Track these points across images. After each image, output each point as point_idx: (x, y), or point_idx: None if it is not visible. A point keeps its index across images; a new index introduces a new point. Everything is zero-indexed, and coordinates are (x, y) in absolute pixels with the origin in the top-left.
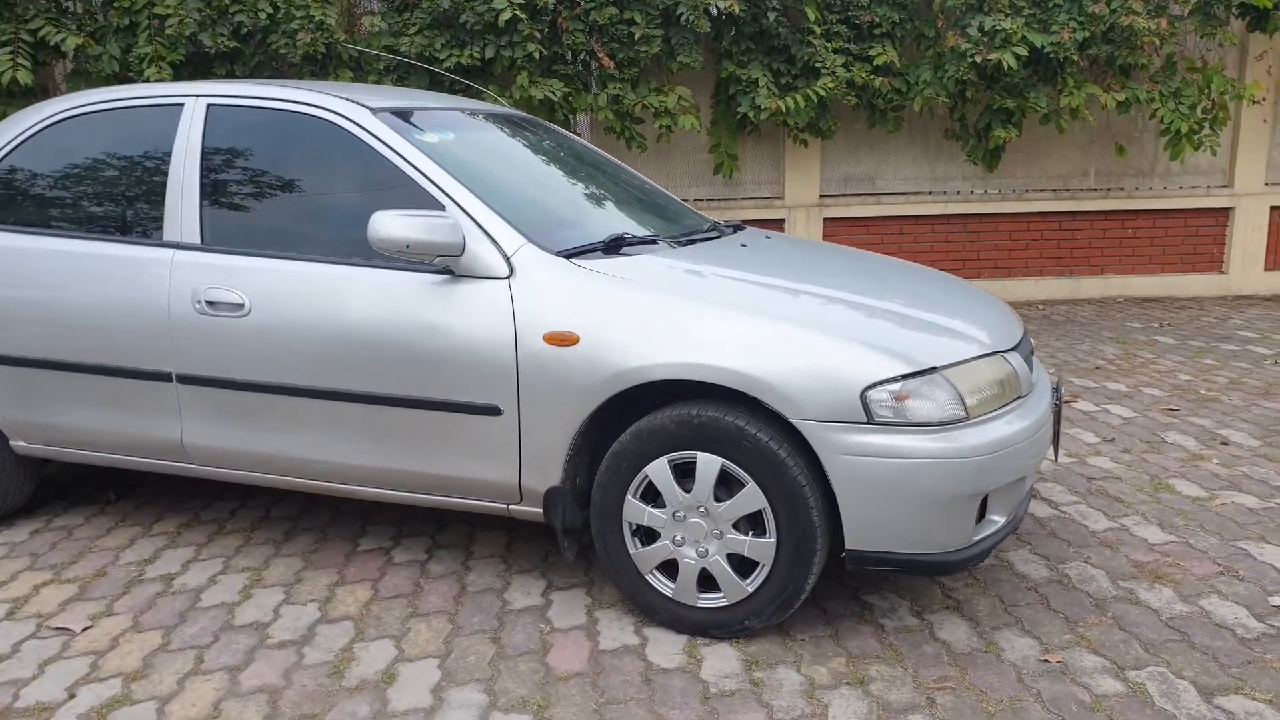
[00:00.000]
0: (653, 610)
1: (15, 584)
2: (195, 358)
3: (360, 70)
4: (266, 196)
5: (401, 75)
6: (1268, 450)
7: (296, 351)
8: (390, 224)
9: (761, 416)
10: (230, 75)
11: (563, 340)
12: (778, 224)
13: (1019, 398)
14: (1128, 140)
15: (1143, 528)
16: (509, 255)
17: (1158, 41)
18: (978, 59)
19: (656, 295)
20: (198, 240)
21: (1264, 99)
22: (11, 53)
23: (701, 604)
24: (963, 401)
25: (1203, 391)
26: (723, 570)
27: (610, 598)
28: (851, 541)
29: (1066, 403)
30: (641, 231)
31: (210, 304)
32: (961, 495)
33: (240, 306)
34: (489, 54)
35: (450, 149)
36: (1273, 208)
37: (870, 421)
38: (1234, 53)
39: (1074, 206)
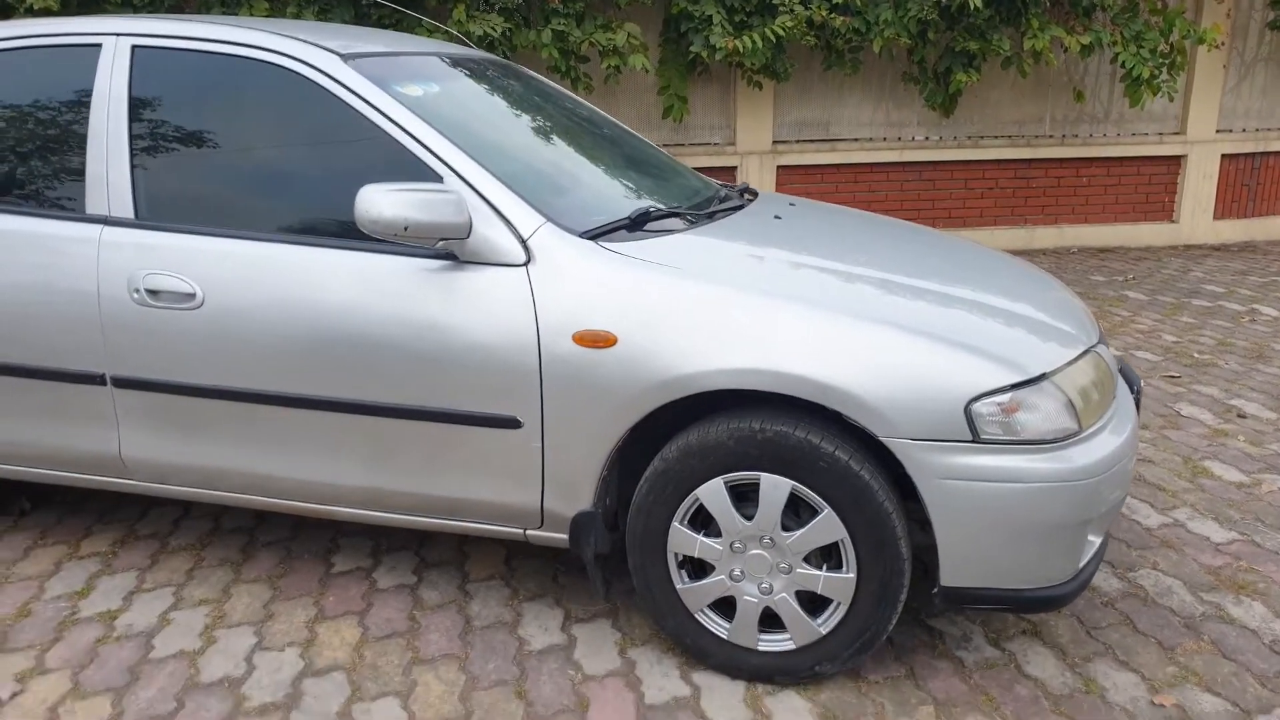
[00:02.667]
0: (704, 654)
1: None
2: (133, 357)
3: (275, 3)
4: (214, 162)
5: (324, 8)
6: None
7: (261, 351)
8: (381, 201)
9: (837, 431)
10: (126, 4)
11: (597, 341)
12: (729, 173)
13: (1114, 400)
14: (1082, 85)
15: (1199, 523)
16: (525, 238)
17: None
18: None
19: (708, 286)
20: (130, 214)
21: (1223, 43)
22: None
23: (763, 647)
24: (1074, 411)
25: (1196, 355)
26: (791, 609)
27: (643, 632)
28: (948, 577)
29: None
30: (660, 204)
31: (152, 293)
32: (1073, 521)
33: (190, 296)
34: None
35: (438, 105)
36: (1223, 156)
37: (975, 440)
38: None
39: (1030, 154)
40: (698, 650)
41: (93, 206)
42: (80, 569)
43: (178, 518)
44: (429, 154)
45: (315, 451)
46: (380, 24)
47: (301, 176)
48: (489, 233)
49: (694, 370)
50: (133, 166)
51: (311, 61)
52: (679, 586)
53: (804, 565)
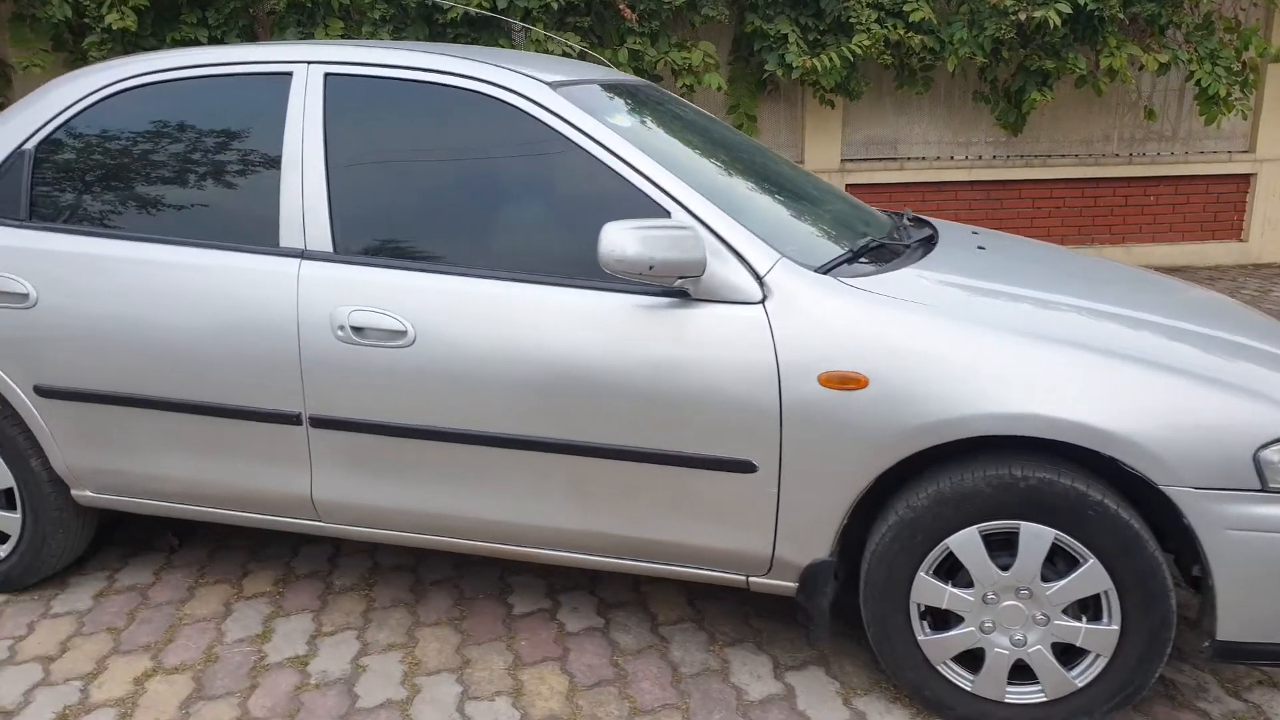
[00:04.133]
0: (943, 706)
1: (107, 676)
2: (335, 396)
3: (350, 20)
4: (416, 195)
5: (399, 26)
6: None
7: (476, 391)
8: (625, 239)
9: (1103, 479)
10: (201, 23)
11: (846, 382)
12: None
13: None
14: (1150, 102)
15: None
16: (762, 274)
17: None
18: (1021, 16)
19: (964, 325)
20: (329, 248)
21: None
22: None
23: (1011, 699)
24: None
25: None
26: (1045, 662)
27: (861, 680)
28: (1225, 631)
29: None
30: (871, 236)
31: (357, 330)
32: None
33: (401, 334)
34: (501, 2)
35: (645, 136)
36: None
37: (1264, 489)
38: (1256, 11)
39: (1097, 173)
40: (936, 702)
41: (288, 240)
42: (251, 610)
43: (331, 555)
44: (654, 188)
45: (529, 494)
46: (457, 39)
47: (513, 209)
48: (723, 269)
49: (958, 415)
50: (330, 199)
51: (520, 90)
52: (920, 638)
53: (1062, 617)
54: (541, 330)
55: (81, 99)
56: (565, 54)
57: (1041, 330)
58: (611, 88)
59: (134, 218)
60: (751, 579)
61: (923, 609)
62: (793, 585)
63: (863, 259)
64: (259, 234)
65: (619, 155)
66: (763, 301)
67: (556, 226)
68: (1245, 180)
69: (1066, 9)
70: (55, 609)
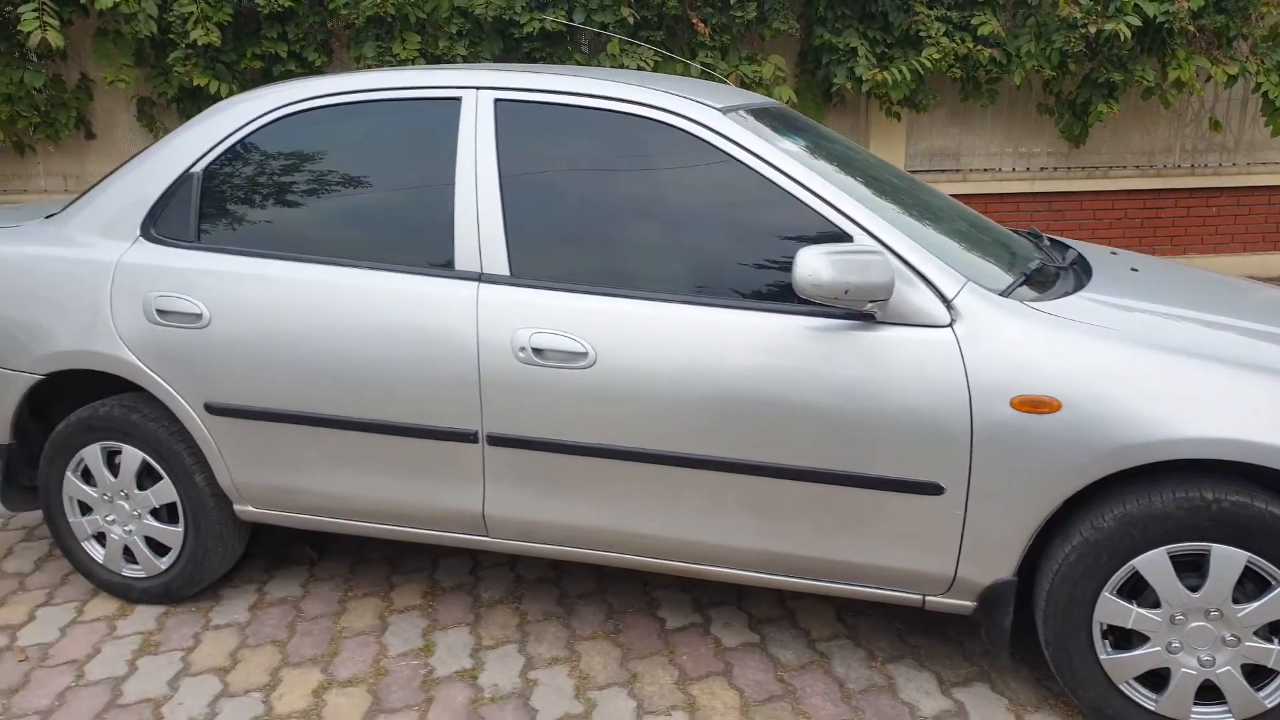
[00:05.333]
0: None
1: (285, 689)
2: (514, 416)
3: (427, 34)
4: (589, 219)
5: (474, 41)
6: None
7: (657, 411)
8: (820, 264)
9: None
10: (281, 38)
11: (1039, 406)
12: None
13: None
14: (1212, 114)
15: None
16: (950, 298)
17: (1274, 10)
18: (1090, 29)
19: (1151, 349)
20: (505, 271)
21: None
22: (37, 10)
23: (1196, 719)
24: None
25: None
26: (1234, 683)
27: (1028, 696)
28: None
29: None
30: (1024, 260)
31: (538, 351)
32: None
33: (582, 356)
34: (577, 18)
35: (814, 160)
36: None
37: None
38: None
39: (1159, 184)
40: None
41: (463, 263)
42: (407, 624)
43: (472, 568)
44: (835, 212)
45: (705, 513)
46: (531, 58)
47: (688, 233)
48: (910, 293)
49: (1154, 439)
50: (506, 224)
51: (693, 116)
52: (1103, 657)
53: (1254, 639)
54: (723, 352)
55: (250, 122)
56: (678, 73)
57: (1223, 353)
58: (757, 111)
59: (304, 240)
60: (928, 598)
61: (1105, 628)
62: (969, 604)
63: (1029, 283)
64: (432, 257)
65: (796, 179)
66: (951, 325)
67: (733, 250)
68: None
69: (1136, 21)
70: (215, 620)
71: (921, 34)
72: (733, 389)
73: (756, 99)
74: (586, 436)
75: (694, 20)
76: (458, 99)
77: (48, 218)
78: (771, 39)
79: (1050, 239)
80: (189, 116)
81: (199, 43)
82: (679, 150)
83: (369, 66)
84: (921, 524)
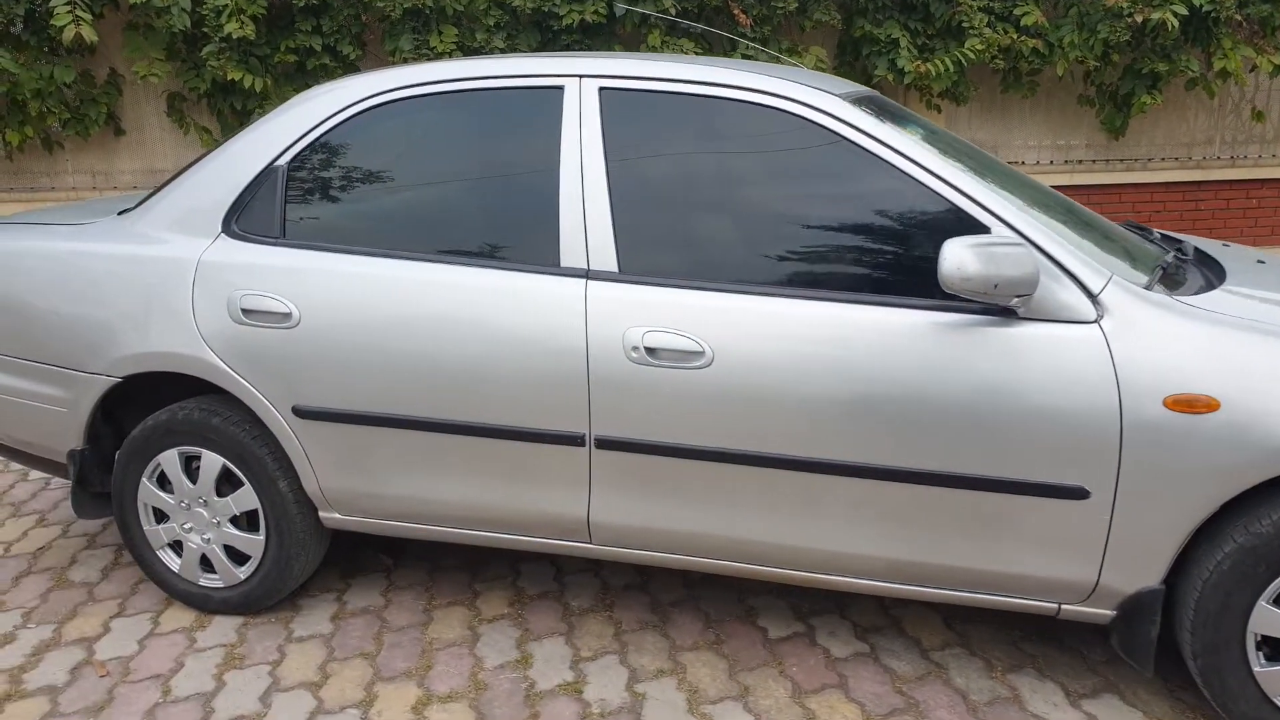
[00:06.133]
0: None
1: (383, 705)
2: (625, 418)
3: (463, 27)
4: (703, 212)
5: (511, 33)
6: None
7: (779, 414)
8: (968, 257)
9: None
10: (316, 30)
11: (1195, 405)
12: None
13: None
14: (1254, 105)
15: None
16: (1095, 293)
17: None
18: (1136, 18)
19: None
20: (614, 268)
21: None
22: (69, 3)
23: None
24: None
25: None
26: None
27: (1161, 709)
28: None
29: None
30: (1151, 252)
31: (651, 351)
32: None
33: (698, 355)
34: (618, 10)
35: (941, 149)
36: None
37: None
38: None
39: (1200, 176)
40: None
41: (569, 260)
42: (499, 634)
43: (555, 574)
44: (971, 203)
45: (829, 519)
46: (570, 46)
47: (810, 226)
48: (1055, 287)
49: None
50: (614, 219)
51: (815, 103)
52: (1257, 670)
53: None
54: (851, 350)
55: (337, 113)
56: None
57: None
58: (860, 100)
59: (396, 236)
60: (1064, 607)
61: (1259, 639)
62: (1108, 613)
63: (1165, 278)
64: (534, 253)
65: (930, 169)
66: (1097, 321)
67: (859, 243)
68: None
69: (1183, 10)
70: (298, 632)
71: (964, 24)
72: (861, 389)
73: (856, 87)
74: (702, 439)
75: (735, 11)
76: (560, 88)
77: (120, 214)
78: (811, 30)
79: (1161, 233)
80: (220, 112)
81: (233, 36)
82: (801, 140)
83: (405, 60)
84: (1064, 529)
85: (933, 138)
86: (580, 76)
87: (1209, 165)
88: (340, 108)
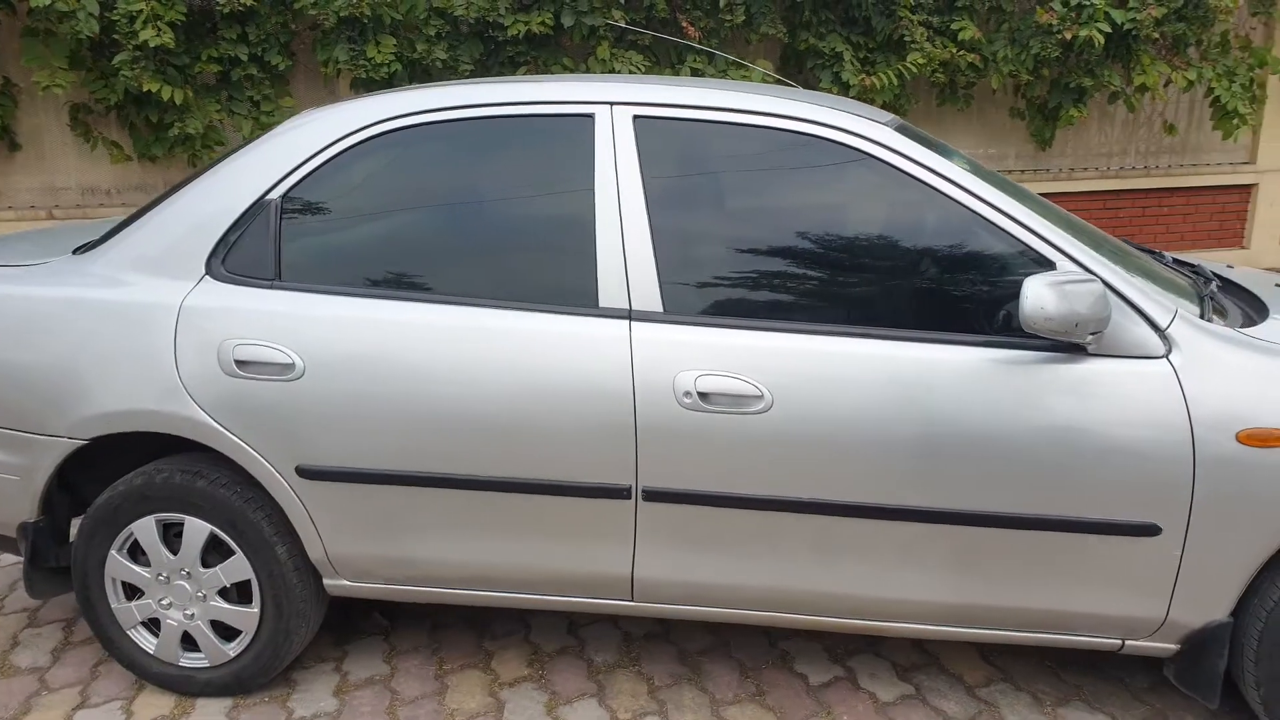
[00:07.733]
0: None
1: None
2: (676, 468)
3: (402, 37)
4: (752, 248)
5: (453, 44)
6: None
7: (843, 459)
8: (1049, 295)
9: None
10: (242, 39)
11: (1268, 440)
12: None
13: None
14: (1165, 118)
15: None
16: (1163, 328)
17: (1229, 18)
18: (1066, 35)
19: None
20: (658, 308)
21: None
22: None
23: None
24: None
25: None
26: None
27: None
28: None
29: None
30: (1188, 282)
31: (704, 396)
32: None
33: (757, 399)
34: (566, 21)
35: (993, 183)
36: None
37: None
38: (1264, 31)
39: (1118, 185)
40: None
41: (609, 300)
42: (525, 699)
43: (569, 626)
44: (1035, 237)
45: (896, 566)
46: (514, 62)
47: (865, 261)
48: (1125, 323)
49: None
50: (656, 256)
51: (862, 132)
52: None
53: None
54: (916, 390)
55: (336, 140)
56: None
57: None
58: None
59: (411, 277)
60: (1128, 642)
61: None
62: (1172, 648)
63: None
64: (568, 293)
65: (990, 202)
66: (1166, 355)
67: (918, 279)
68: (1247, 190)
69: (1107, 28)
70: (298, 712)
71: (906, 39)
72: (929, 430)
73: (889, 116)
74: (759, 488)
75: (684, 23)
76: (589, 115)
77: (76, 251)
78: (758, 42)
79: (1173, 257)
80: (133, 125)
81: (150, 44)
82: (850, 171)
83: (340, 70)
84: (1133, 566)
85: (977, 169)
86: (611, 104)
87: (1126, 175)
88: (338, 136)
